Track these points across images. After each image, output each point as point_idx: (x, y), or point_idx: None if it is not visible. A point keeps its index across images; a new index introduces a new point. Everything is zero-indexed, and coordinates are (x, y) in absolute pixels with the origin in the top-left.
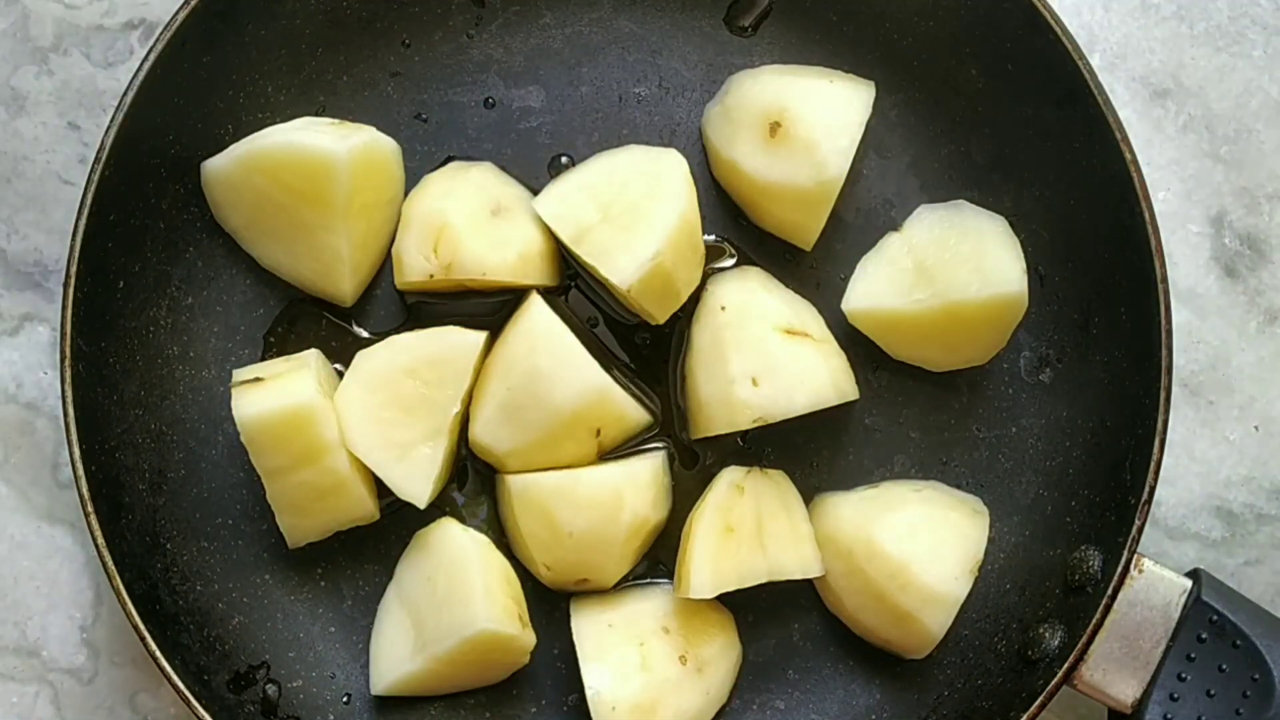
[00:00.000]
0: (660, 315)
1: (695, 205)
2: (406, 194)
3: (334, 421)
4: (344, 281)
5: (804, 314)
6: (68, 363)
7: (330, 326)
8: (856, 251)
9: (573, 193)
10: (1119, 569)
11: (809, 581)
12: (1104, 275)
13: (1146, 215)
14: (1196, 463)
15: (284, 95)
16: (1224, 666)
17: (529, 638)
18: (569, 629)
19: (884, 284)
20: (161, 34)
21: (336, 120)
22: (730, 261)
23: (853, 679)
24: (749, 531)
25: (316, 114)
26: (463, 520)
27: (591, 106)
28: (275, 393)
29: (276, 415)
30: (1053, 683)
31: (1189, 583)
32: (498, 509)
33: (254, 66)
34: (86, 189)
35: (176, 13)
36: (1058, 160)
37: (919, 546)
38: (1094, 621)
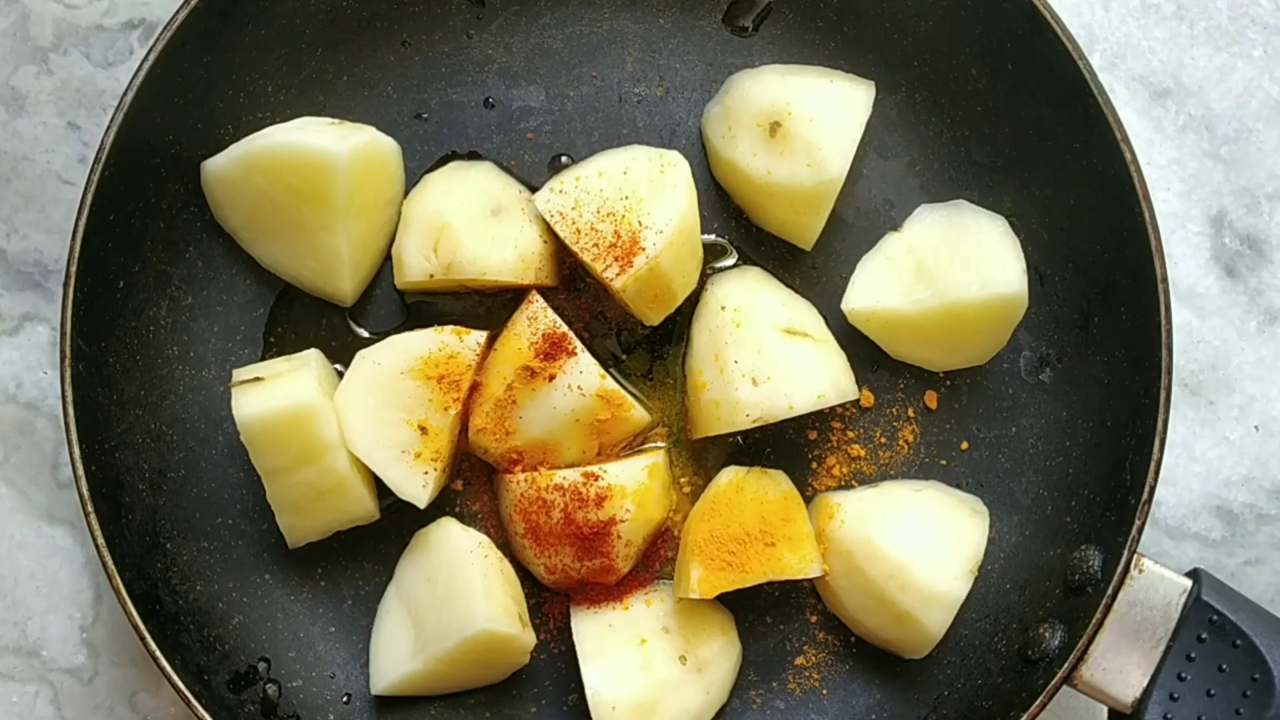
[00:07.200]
0: (655, 317)
1: (695, 207)
2: (406, 194)
3: (334, 421)
4: (344, 281)
5: (804, 314)
6: (68, 363)
7: (330, 326)
8: (856, 251)
9: (572, 190)
10: (1119, 569)
11: (809, 581)
12: (1104, 275)
13: (1146, 215)
14: (1196, 463)
15: (284, 95)
16: (1224, 666)
17: (529, 638)
18: (569, 629)
19: (884, 284)
20: (161, 34)
21: (336, 120)
22: (730, 261)
23: (852, 679)
24: (749, 531)
25: (316, 114)
26: (463, 520)
27: (591, 106)
28: (275, 393)
29: (276, 415)
30: (1053, 683)
31: (1189, 583)
32: (498, 508)
33: (254, 66)
34: (86, 189)
35: (176, 13)
36: (1058, 160)
37: (919, 546)
38: (1094, 621)
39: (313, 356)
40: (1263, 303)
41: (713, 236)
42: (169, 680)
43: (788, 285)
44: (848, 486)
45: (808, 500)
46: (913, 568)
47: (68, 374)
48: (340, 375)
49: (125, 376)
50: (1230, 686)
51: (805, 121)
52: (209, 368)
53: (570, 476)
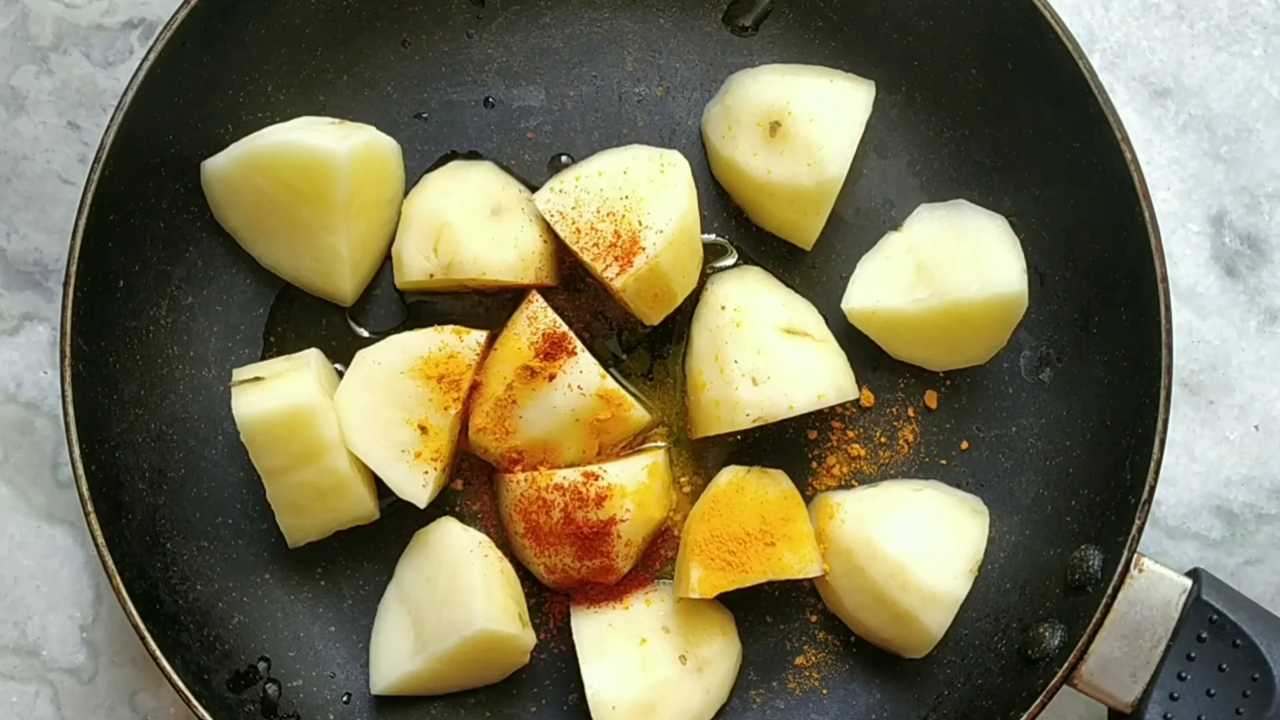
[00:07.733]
0: (655, 317)
1: (695, 207)
2: (406, 193)
3: (334, 421)
4: (344, 281)
5: (804, 314)
6: (68, 363)
7: (330, 326)
8: (856, 251)
9: (572, 190)
10: (1119, 568)
11: (809, 581)
12: (1104, 275)
13: (1146, 215)
14: (1196, 463)
15: (284, 95)
16: (1224, 666)
17: (529, 638)
18: (569, 629)
19: (884, 284)
20: (161, 34)
21: (336, 119)
22: (730, 261)
23: (852, 679)
24: (749, 531)
25: (316, 114)
26: (463, 520)
27: (591, 106)
28: (275, 392)
29: (276, 415)
30: (1053, 682)
31: (1189, 582)
32: (498, 508)
33: (254, 66)
34: (86, 189)
35: (176, 12)
36: (1058, 160)
37: (919, 546)
38: (1094, 621)
39: (313, 356)
40: (1263, 302)
41: (713, 236)
42: (169, 680)
43: (788, 285)
44: (848, 486)
45: (808, 500)
46: (913, 567)
47: (68, 374)
48: (340, 375)
49: (125, 376)
50: (1230, 686)
51: (805, 121)
52: (209, 368)
53: (570, 476)
